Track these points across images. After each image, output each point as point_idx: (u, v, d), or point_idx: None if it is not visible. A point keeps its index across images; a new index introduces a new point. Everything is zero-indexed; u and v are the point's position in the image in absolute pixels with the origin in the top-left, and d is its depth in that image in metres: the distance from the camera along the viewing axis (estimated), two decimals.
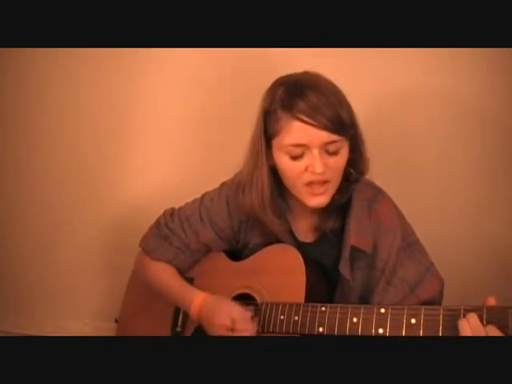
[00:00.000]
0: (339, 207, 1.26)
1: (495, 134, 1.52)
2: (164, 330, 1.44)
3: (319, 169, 1.15)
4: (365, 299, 1.24)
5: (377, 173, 1.29)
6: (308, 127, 1.13)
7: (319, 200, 1.20)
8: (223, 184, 1.40)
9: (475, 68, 1.48)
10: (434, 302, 1.22)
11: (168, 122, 1.79)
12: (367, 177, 1.29)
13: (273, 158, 1.22)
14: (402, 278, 1.21)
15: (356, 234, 1.23)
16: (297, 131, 1.14)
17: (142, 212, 1.53)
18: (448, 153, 1.56)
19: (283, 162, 1.19)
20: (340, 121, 1.14)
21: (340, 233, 1.27)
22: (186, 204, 1.44)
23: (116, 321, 1.58)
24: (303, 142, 1.15)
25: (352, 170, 1.23)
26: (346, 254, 1.23)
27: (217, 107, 1.71)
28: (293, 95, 1.15)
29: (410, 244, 1.24)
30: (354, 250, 1.23)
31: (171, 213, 1.44)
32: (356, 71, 1.57)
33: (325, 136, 1.14)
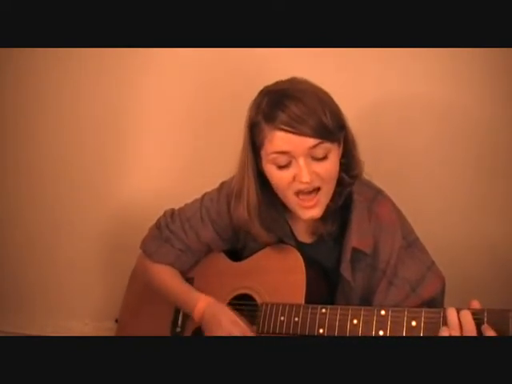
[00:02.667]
0: (337, 210, 1.25)
1: (493, 137, 1.52)
2: (164, 330, 1.44)
3: (306, 178, 1.14)
4: (366, 299, 1.24)
5: (378, 173, 1.29)
6: (290, 135, 1.12)
7: (312, 213, 1.19)
8: (223, 183, 1.40)
9: (475, 68, 1.48)
10: (436, 300, 1.21)
11: (168, 122, 1.79)
12: (367, 177, 1.29)
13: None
14: (404, 277, 1.21)
15: (357, 236, 1.22)
16: (279, 140, 1.13)
17: (142, 212, 1.53)
18: (449, 156, 1.56)
19: (271, 172, 1.18)
20: (323, 127, 1.12)
21: (337, 235, 1.26)
22: (186, 205, 1.44)
23: (116, 321, 1.58)
24: (286, 149, 1.13)
25: (345, 175, 1.22)
26: (347, 256, 1.22)
27: (217, 107, 1.71)
28: (275, 107, 1.14)
29: (411, 243, 1.24)
30: (355, 251, 1.22)
31: (172, 214, 1.44)
32: (356, 71, 1.57)
33: (308, 141, 1.12)
